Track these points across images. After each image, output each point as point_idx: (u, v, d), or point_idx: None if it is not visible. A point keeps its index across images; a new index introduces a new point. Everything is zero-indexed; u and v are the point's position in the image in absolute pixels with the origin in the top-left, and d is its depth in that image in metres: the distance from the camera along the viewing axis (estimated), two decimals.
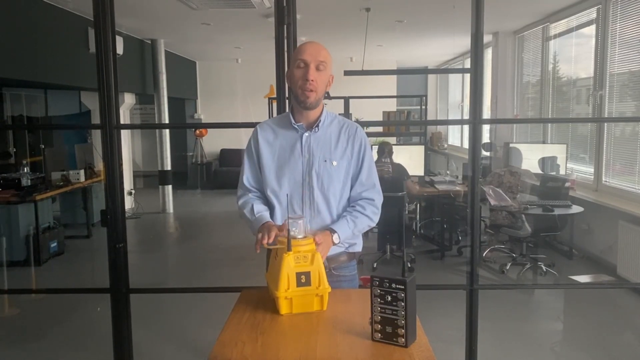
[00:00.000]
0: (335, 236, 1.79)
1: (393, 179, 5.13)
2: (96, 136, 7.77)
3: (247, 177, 1.95)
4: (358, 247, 1.97)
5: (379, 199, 1.93)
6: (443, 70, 12.07)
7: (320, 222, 1.86)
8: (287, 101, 2.56)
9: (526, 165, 5.55)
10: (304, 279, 1.54)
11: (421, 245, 5.98)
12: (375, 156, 5.45)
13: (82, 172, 6.52)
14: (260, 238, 1.67)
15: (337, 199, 1.88)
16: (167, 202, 8.48)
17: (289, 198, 1.79)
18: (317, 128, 1.87)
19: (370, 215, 1.89)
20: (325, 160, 1.86)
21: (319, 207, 1.86)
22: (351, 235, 1.87)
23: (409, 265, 1.36)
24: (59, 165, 6.71)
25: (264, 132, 1.93)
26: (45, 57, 5.36)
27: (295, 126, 1.87)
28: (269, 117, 8.34)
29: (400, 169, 5.41)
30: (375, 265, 5.12)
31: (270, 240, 1.64)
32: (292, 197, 1.84)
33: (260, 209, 1.86)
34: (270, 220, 1.81)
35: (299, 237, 1.60)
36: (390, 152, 5.50)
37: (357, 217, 1.87)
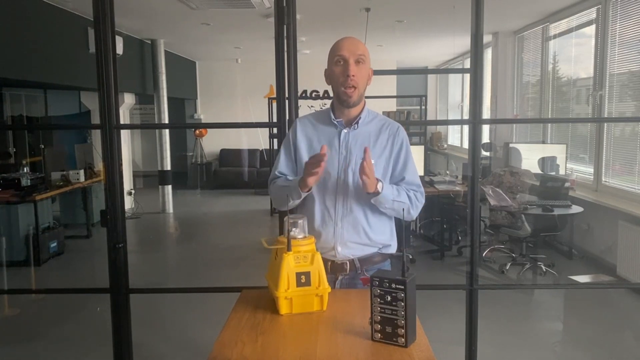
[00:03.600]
0: (379, 184, 1.72)
1: None
2: (96, 136, 7.77)
3: (279, 170, 1.91)
4: (392, 249, 1.93)
5: (420, 198, 1.87)
6: (443, 70, 12.07)
7: (352, 221, 1.81)
8: (287, 101, 2.56)
9: (526, 165, 5.55)
10: (303, 279, 1.54)
11: (421, 245, 5.98)
12: None
13: (82, 172, 6.52)
14: (315, 165, 1.64)
15: (371, 199, 1.83)
16: (167, 202, 8.48)
17: (321, 196, 1.79)
18: (356, 125, 1.84)
19: (412, 200, 1.83)
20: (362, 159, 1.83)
21: (352, 206, 1.81)
22: (390, 202, 1.77)
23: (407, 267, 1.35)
24: (58, 165, 6.71)
25: (303, 126, 1.90)
26: (45, 57, 5.35)
27: (335, 122, 1.84)
28: (269, 118, 8.41)
29: None
30: None
31: (325, 158, 1.62)
32: (326, 193, 1.81)
33: (294, 177, 1.84)
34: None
35: (299, 237, 1.60)
36: None
37: (401, 191, 1.81)
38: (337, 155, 1.82)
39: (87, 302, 4.11)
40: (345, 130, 1.84)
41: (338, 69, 1.78)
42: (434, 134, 11.31)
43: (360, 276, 1.85)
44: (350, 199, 1.81)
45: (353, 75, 1.76)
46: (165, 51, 8.35)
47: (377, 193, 1.73)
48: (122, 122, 4.39)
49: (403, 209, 1.78)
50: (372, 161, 1.78)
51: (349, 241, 1.82)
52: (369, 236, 1.84)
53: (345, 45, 1.79)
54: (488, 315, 3.11)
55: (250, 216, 8.12)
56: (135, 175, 9.43)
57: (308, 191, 1.77)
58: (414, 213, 1.86)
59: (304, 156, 1.85)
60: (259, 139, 10.34)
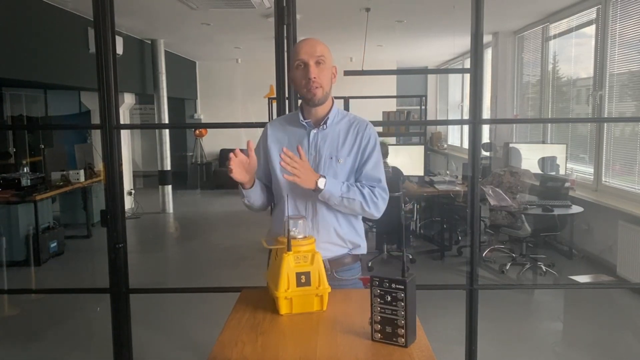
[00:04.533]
0: (321, 180, 1.73)
1: (390, 180, 5.13)
2: (96, 136, 7.77)
3: None
4: (362, 250, 1.93)
5: (380, 193, 1.84)
6: (443, 70, 12.07)
7: (322, 221, 1.83)
8: (286, 101, 2.56)
9: (526, 165, 5.55)
10: (303, 279, 1.54)
11: (421, 245, 5.98)
12: None
13: (82, 172, 6.52)
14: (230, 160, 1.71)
15: None
16: (167, 202, 8.48)
17: (292, 196, 1.79)
18: (324, 125, 1.86)
19: (366, 197, 1.80)
20: (332, 158, 1.84)
21: (322, 206, 1.83)
22: (339, 199, 1.77)
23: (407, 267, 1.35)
24: (58, 165, 6.71)
25: (273, 130, 1.93)
26: (45, 57, 5.35)
27: (304, 123, 1.86)
28: (269, 118, 8.41)
29: (396, 171, 5.41)
30: (370, 264, 5.13)
31: (236, 155, 1.71)
32: (296, 194, 1.82)
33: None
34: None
35: (299, 237, 1.60)
36: (384, 154, 5.48)
37: (352, 186, 1.81)
38: (307, 155, 1.83)
39: (87, 302, 4.11)
40: (314, 131, 1.86)
41: (299, 73, 1.81)
42: (434, 134, 11.31)
43: (330, 278, 1.83)
44: (319, 199, 1.81)
45: (315, 78, 1.78)
46: (165, 51, 8.35)
47: (318, 190, 1.74)
48: (122, 122, 4.39)
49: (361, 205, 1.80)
50: (341, 160, 1.83)
51: (320, 241, 1.79)
52: (340, 235, 1.85)
53: (303, 48, 1.81)
54: (488, 315, 3.10)
55: (250, 216, 8.09)
56: (135, 175, 9.43)
57: (250, 187, 1.83)
58: (374, 210, 1.82)
59: (275, 158, 1.87)
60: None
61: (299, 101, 2.02)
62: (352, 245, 1.89)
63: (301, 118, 1.87)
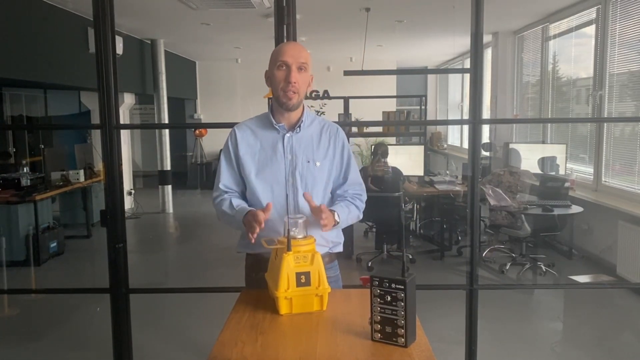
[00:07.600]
0: (336, 215, 1.78)
1: (390, 180, 5.14)
2: (96, 136, 7.77)
3: (223, 183, 1.89)
4: (340, 248, 1.96)
5: (364, 195, 1.96)
6: (443, 70, 12.08)
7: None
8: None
9: (526, 166, 5.55)
10: (303, 279, 1.54)
11: (421, 245, 5.98)
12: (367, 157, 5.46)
13: (81, 172, 6.52)
14: (252, 229, 1.65)
15: (320, 200, 1.85)
16: (166, 202, 8.48)
17: (272, 201, 1.75)
18: (298, 128, 1.85)
19: (360, 208, 1.93)
20: (309, 161, 1.84)
21: (303, 209, 1.81)
22: (345, 220, 1.85)
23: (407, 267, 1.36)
24: (58, 165, 6.71)
25: (242, 133, 1.89)
26: (45, 57, 5.35)
27: (277, 127, 1.85)
28: None
29: (396, 171, 5.41)
30: (370, 264, 5.13)
31: (262, 226, 1.63)
32: (275, 199, 1.81)
33: (238, 202, 1.83)
34: (252, 209, 1.76)
35: (299, 237, 1.60)
36: (385, 154, 5.48)
37: (349, 205, 1.89)
38: (283, 159, 1.83)
39: (87, 302, 4.11)
40: (288, 135, 1.85)
41: (280, 74, 1.79)
42: (433, 134, 11.31)
43: None
44: (300, 202, 1.81)
45: (295, 82, 1.78)
46: (165, 51, 8.35)
47: (337, 223, 1.79)
48: (122, 122, 4.40)
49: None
50: (318, 163, 1.85)
51: None
52: (323, 236, 1.84)
53: (288, 51, 1.81)
54: (488, 315, 3.11)
55: None
56: (135, 175, 9.43)
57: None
58: (362, 215, 1.97)
59: (247, 163, 1.85)
60: None
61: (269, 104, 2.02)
62: (332, 244, 1.91)
63: (274, 122, 1.85)
